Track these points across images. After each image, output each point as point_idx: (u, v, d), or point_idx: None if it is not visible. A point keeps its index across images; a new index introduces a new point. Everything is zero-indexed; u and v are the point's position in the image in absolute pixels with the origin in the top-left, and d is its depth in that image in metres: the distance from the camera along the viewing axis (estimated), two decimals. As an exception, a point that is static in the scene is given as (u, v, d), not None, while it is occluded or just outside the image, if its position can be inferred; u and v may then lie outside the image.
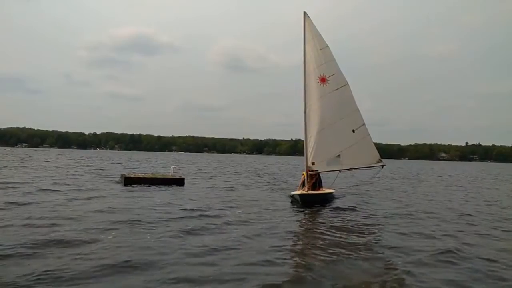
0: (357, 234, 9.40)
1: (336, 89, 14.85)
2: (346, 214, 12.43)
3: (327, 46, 15.10)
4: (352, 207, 13.84)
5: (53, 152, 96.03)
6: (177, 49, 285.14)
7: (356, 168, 15.36)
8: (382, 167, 15.52)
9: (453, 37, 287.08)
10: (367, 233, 9.65)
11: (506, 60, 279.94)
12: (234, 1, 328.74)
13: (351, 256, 7.32)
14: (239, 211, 12.20)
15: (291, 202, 14.66)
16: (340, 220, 11.23)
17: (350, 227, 10.33)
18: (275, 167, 49.93)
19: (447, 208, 14.57)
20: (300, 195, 13.99)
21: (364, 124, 15.26)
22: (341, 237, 8.91)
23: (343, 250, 7.69)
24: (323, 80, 14.85)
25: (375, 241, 8.77)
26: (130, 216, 10.37)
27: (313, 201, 13.78)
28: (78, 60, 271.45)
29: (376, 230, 10.00)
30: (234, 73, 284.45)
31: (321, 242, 8.50)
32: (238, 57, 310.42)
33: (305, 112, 15.01)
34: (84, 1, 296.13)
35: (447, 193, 21.14)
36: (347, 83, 15.12)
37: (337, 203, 14.74)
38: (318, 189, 14.84)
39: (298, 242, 8.78)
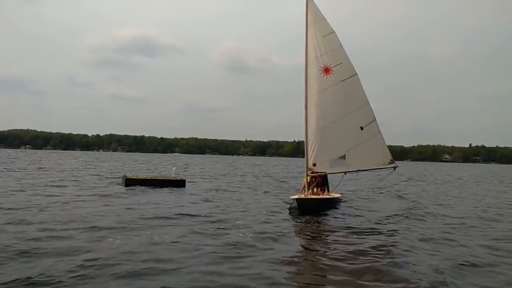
0: (364, 251, 7.72)
1: (342, 81, 12.92)
2: (354, 221, 10.77)
3: (333, 31, 13.16)
4: (360, 214, 12.25)
5: (58, 154, 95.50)
6: (179, 50, 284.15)
7: (364, 170, 13.51)
8: (394, 169, 13.42)
9: (456, 38, 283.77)
10: (377, 248, 7.98)
11: (511, 60, 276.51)
12: (236, 2, 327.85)
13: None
14: (239, 215, 11.19)
15: (290, 208, 12.97)
16: (348, 230, 9.55)
17: (358, 238, 8.67)
18: (279, 169, 48.40)
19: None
20: (298, 200, 12.25)
21: (374, 120, 13.23)
22: (348, 256, 7.27)
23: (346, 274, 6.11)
24: (326, 70, 13.00)
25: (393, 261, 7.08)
26: (132, 218, 10.06)
27: (313, 207, 12.04)
28: (80, 62, 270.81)
29: (391, 243, 8.32)
30: (237, 74, 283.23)
31: (327, 253, 6.95)
32: (241, 58, 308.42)
33: (305, 107, 13.17)
34: (87, 3, 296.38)
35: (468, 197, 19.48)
36: (356, 74, 13.12)
37: (343, 210, 13.09)
38: (323, 193, 13.17)
39: (299, 253, 7.37)
